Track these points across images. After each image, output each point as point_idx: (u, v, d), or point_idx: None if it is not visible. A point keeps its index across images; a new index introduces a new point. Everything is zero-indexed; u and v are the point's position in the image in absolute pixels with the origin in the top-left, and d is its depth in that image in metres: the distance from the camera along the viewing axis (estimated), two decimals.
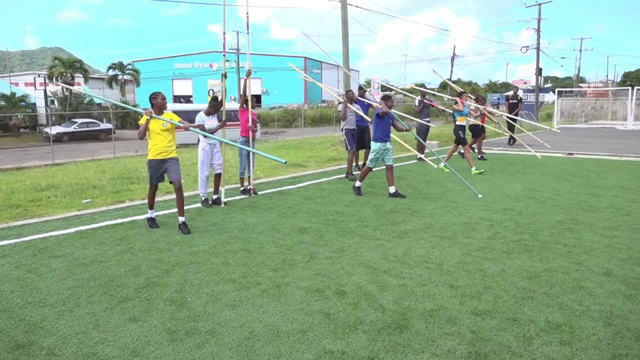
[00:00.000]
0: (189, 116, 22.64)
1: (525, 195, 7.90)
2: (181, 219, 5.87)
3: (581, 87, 59.94)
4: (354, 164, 10.43)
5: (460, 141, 10.99)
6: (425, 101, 12.40)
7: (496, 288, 4.10)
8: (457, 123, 11.08)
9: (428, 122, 12.27)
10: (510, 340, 3.23)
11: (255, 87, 60.54)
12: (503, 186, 8.84)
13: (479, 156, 12.65)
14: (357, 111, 9.38)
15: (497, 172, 10.70)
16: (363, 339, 3.26)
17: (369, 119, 9.47)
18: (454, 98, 11.80)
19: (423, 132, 12.38)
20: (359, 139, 10.01)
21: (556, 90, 34.76)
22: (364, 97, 9.83)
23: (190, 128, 6.04)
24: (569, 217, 6.44)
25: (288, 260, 4.82)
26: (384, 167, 8.14)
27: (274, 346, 3.18)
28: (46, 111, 31.85)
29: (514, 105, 16.79)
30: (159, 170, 5.94)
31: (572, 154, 13.44)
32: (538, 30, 41.71)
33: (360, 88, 10.37)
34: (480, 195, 7.08)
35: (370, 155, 8.12)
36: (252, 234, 5.75)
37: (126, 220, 6.42)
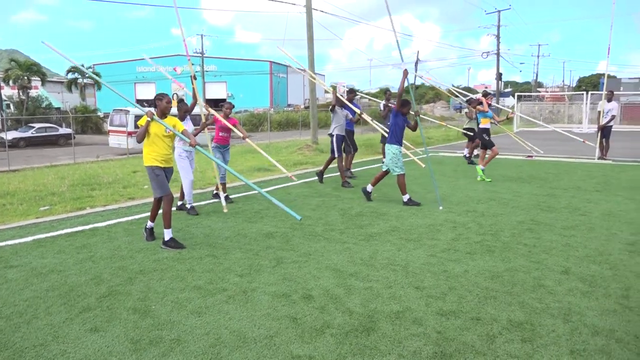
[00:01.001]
0: None
1: (487, 197, 8.09)
2: (150, 224, 5.67)
3: (539, 91, 61.89)
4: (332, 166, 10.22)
5: (486, 144, 10.27)
6: (390, 104, 12.54)
7: (460, 288, 4.18)
8: (481, 126, 10.46)
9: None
10: (474, 339, 3.30)
11: (220, 91, 59.97)
12: (466, 188, 9.03)
13: (469, 161, 12.72)
14: (357, 109, 9.27)
15: (461, 174, 10.93)
16: (330, 342, 3.26)
17: (381, 121, 9.52)
18: (477, 98, 11.84)
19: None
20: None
21: (516, 94, 35.78)
22: (352, 102, 9.59)
23: (198, 148, 5.52)
24: (528, 218, 6.64)
25: (254, 265, 4.78)
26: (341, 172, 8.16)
27: (241, 353, 3.14)
28: (1, 115, 30.69)
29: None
30: (163, 176, 5.43)
31: (531, 156, 13.86)
32: (498, 37, 42.92)
33: (350, 91, 10.15)
34: (441, 207, 7.19)
35: (391, 163, 7.64)
36: (218, 239, 5.68)
37: (87, 227, 6.24)
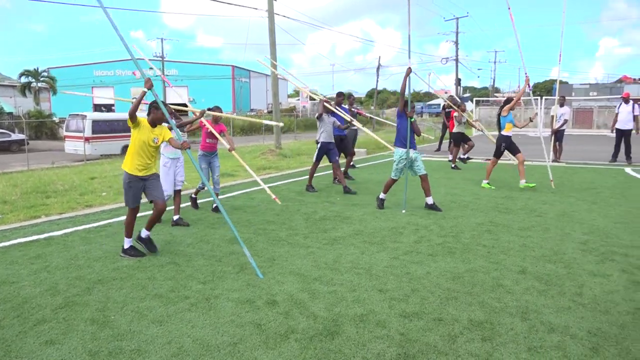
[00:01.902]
0: (112, 126, 21.82)
1: (448, 200, 8.26)
2: (146, 232, 5.30)
3: (496, 96, 63.73)
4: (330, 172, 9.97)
5: (512, 150, 9.37)
6: (354, 109, 12.62)
7: (422, 290, 4.24)
8: (503, 133, 9.28)
9: (356, 130, 12.48)
10: (436, 339, 3.35)
11: (181, 96, 59.14)
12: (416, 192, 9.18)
13: (453, 165, 12.72)
14: (345, 114, 9.16)
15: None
16: (295, 347, 3.25)
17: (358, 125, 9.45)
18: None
19: (352, 139, 12.59)
20: (337, 147, 9.57)
21: (474, 99, 36.74)
22: (339, 107, 9.45)
23: (188, 153, 5.30)
24: (487, 220, 6.81)
25: (217, 272, 4.72)
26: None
27: None
28: None
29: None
30: (139, 189, 5.15)
31: (488, 160, 14.23)
32: (456, 43, 44.00)
33: (338, 95, 9.92)
34: (404, 211, 7.30)
35: (393, 165, 7.48)
36: (180, 246, 5.58)
37: (42, 236, 6.02)
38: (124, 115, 24.82)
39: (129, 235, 5.22)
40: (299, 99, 60.34)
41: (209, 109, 7.07)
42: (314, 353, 3.18)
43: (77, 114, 22.10)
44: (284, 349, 3.24)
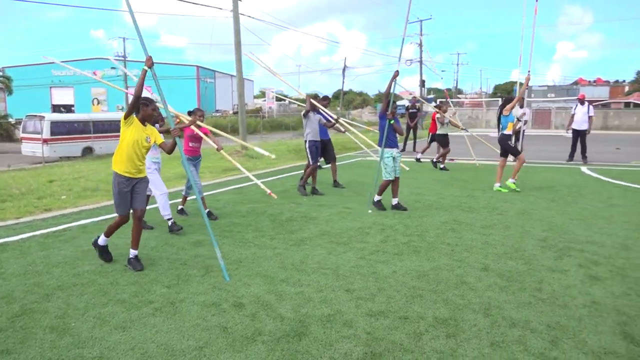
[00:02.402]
0: (72, 127, 21.15)
1: (413, 199, 8.38)
2: (133, 252, 4.88)
3: (459, 98, 65.10)
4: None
5: (514, 152, 9.38)
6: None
7: (389, 289, 4.29)
8: (505, 132, 9.34)
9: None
10: (402, 337, 3.40)
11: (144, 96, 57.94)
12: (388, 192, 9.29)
13: (442, 166, 12.62)
14: (332, 115, 8.96)
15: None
16: (262, 350, 3.24)
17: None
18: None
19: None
20: (322, 152, 9.36)
21: (438, 100, 37.39)
22: (325, 109, 9.30)
23: (183, 158, 5.25)
24: (451, 218, 6.95)
25: (182, 275, 4.65)
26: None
27: None
28: None
29: (413, 115, 17.62)
30: (128, 193, 4.81)
31: (453, 159, 14.51)
32: (420, 45, 44.67)
33: (324, 98, 9.74)
34: (370, 211, 7.37)
35: (383, 167, 7.45)
36: (144, 249, 5.47)
37: None
38: (85, 116, 24.13)
39: (108, 234, 5.00)
40: (264, 100, 60.08)
41: (189, 112, 6.85)
42: (281, 355, 3.17)
43: (35, 115, 21.38)
44: (250, 351, 3.22)
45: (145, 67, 4.63)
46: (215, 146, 6.76)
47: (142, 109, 4.87)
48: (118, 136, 4.91)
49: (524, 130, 14.27)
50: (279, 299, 4.08)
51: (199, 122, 6.61)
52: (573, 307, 3.89)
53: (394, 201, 7.60)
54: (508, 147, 9.33)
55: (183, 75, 56.24)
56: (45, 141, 19.97)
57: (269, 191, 6.88)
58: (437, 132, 12.71)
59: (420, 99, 14.03)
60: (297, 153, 16.71)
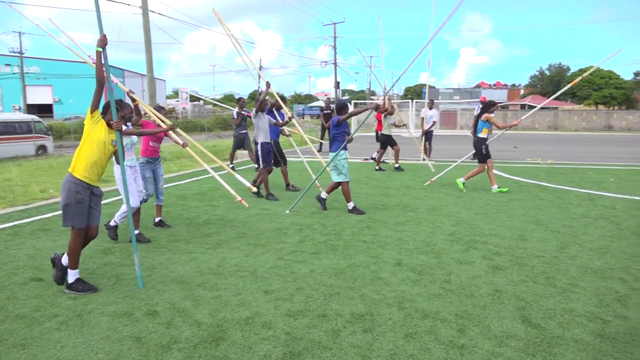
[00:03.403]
0: None
1: (330, 199, 8.50)
2: (74, 272, 4.25)
3: (372, 99, 67.12)
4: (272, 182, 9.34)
5: (481, 158, 9.31)
6: (244, 112, 12.39)
7: (307, 288, 4.33)
8: (480, 136, 9.33)
9: (245, 133, 12.34)
10: (320, 335, 3.44)
11: (45, 96, 53.92)
12: (311, 191, 9.39)
13: (377, 167, 12.72)
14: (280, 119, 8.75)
15: (305, 178, 11.33)
16: (178, 358, 3.13)
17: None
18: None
19: (240, 142, 12.43)
20: (275, 155, 9.04)
21: (352, 102, 38.31)
22: (278, 111, 9.04)
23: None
24: (366, 216, 7.15)
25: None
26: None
27: None
28: None
29: (328, 115, 17.85)
30: (86, 202, 4.18)
31: (367, 159, 14.93)
32: (335, 47, 45.54)
33: (239, 99, 9.64)
34: (288, 211, 7.39)
35: (337, 170, 7.45)
36: (46, 260, 5.08)
37: None
38: None
39: (74, 265, 4.23)
40: (178, 100, 58.27)
41: (156, 108, 6.23)
42: None
43: None
44: None
45: (99, 48, 4.16)
46: (180, 142, 6.24)
47: (111, 112, 4.33)
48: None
49: (432, 131, 15.02)
50: (195, 304, 3.97)
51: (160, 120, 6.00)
52: (478, 296, 4.16)
53: (324, 195, 7.74)
54: (480, 150, 9.32)
55: (88, 74, 52.93)
56: None
57: (239, 198, 6.29)
58: (382, 132, 12.82)
59: (337, 100, 14.36)
60: (214, 155, 16.34)
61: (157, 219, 6.61)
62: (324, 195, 7.77)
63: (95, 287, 4.29)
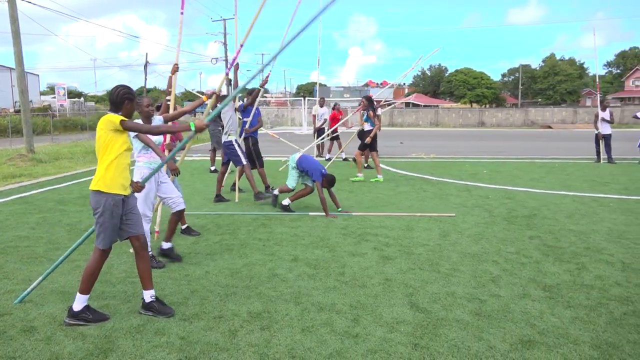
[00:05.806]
0: None
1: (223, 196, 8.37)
2: (150, 293, 3.73)
3: (265, 97, 67.07)
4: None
5: (371, 146, 10.43)
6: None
7: (202, 290, 4.23)
8: (365, 128, 10.78)
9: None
10: (217, 337, 3.38)
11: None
12: (204, 191, 9.17)
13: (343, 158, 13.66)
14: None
15: (197, 178, 11.03)
16: None
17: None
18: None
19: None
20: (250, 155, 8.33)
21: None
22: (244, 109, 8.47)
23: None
24: (262, 214, 7.14)
25: None
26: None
27: None
28: None
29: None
30: (118, 216, 3.61)
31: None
32: (225, 44, 44.77)
33: (249, 92, 8.83)
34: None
35: (291, 173, 7.39)
36: None
37: None
38: None
39: (87, 290, 3.61)
40: (54, 97, 53.61)
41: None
42: None
43: None
44: None
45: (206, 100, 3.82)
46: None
47: (127, 105, 3.72)
48: None
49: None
50: None
51: None
52: (370, 285, 4.34)
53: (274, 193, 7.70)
54: (363, 141, 10.51)
55: None
56: None
57: (156, 230, 5.83)
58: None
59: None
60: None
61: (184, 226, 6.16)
62: (286, 202, 7.43)
63: (106, 317, 3.66)
